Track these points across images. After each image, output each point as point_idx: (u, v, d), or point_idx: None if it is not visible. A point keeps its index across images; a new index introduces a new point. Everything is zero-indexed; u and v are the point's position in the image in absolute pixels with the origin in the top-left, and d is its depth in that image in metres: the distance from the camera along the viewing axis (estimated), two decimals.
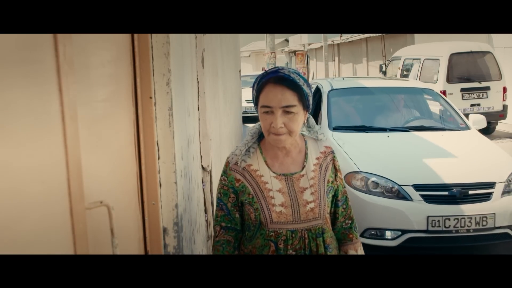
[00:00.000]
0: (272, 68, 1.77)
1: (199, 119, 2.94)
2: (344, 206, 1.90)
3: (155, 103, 1.84)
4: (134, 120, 1.79)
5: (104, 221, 1.39)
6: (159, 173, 1.87)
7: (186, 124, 2.31)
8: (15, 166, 1.02)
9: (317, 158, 1.84)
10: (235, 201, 1.80)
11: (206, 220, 3.05)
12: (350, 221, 1.91)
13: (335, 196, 1.88)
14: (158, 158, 1.87)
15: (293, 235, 1.74)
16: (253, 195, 1.76)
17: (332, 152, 1.88)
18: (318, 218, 1.77)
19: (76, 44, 1.29)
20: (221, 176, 1.84)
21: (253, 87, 1.78)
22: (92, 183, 1.38)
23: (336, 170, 1.87)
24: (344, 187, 1.91)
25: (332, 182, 1.85)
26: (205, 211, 3.03)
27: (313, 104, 6.04)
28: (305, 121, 1.81)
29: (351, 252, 1.89)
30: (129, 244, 1.71)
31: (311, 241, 1.76)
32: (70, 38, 1.24)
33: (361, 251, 1.93)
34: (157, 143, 1.86)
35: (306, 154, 1.83)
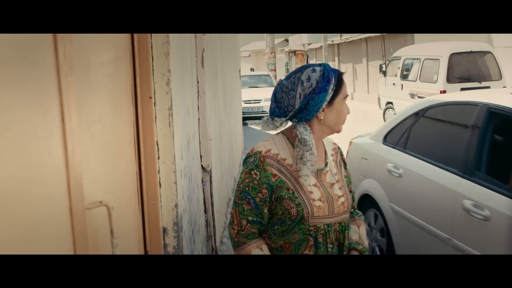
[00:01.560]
0: (324, 64, 1.85)
1: (199, 119, 2.94)
2: (353, 196, 2.02)
3: (155, 103, 1.84)
4: (134, 120, 1.79)
5: (104, 221, 1.39)
6: (158, 173, 1.87)
7: (186, 124, 2.31)
8: (15, 166, 1.01)
9: (332, 155, 1.94)
10: (266, 197, 1.76)
11: (206, 220, 3.05)
12: (352, 209, 2.02)
13: None
14: (158, 158, 1.87)
15: (329, 229, 1.80)
16: (293, 190, 1.76)
17: (339, 148, 2.02)
18: (347, 211, 1.86)
19: (76, 44, 1.29)
20: (251, 170, 1.77)
21: (329, 80, 1.78)
22: (92, 183, 1.38)
23: (345, 163, 2.00)
24: (350, 176, 2.03)
25: (346, 176, 1.97)
26: (205, 211, 3.03)
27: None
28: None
29: (353, 227, 1.96)
30: (129, 244, 1.71)
31: (340, 234, 1.84)
32: (70, 38, 1.24)
33: (362, 229, 1.98)
34: (157, 143, 1.86)
35: (325, 150, 1.91)
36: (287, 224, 1.78)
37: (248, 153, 1.82)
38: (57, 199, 1.19)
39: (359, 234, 1.93)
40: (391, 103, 13.70)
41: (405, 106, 4.82)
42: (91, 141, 1.42)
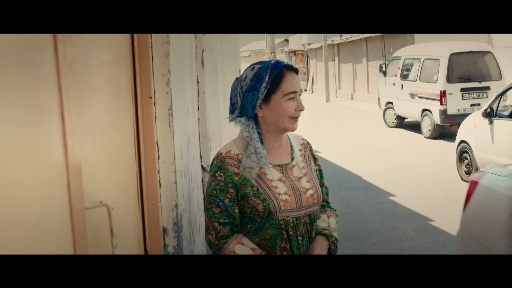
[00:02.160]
0: (270, 61, 1.84)
1: (199, 119, 2.94)
2: (322, 190, 2.02)
3: (155, 103, 1.84)
4: (134, 120, 1.79)
5: (104, 221, 1.39)
6: (158, 173, 1.87)
7: (186, 124, 2.31)
8: (15, 166, 1.01)
9: (300, 150, 1.96)
10: (234, 196, 1.80)
11: None
12: (325, 203, 2.04)
13: None
14: (158, 158, 1.87)
15: (298, 222, 1.82)
16: (257, 186, 1.79)
17: (309, 143, 2.03)
18: (316, 203, 1.87)
19: (76, 44, 1.29)
20: (215, 172, 1.82)
21: (261, 79, 1.80)
22: (92, 183, 1.38)
23: (315, 159, 2.02)
24: (322, 171, 2.03)
25: (315, 170, 1.99)
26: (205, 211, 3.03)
27: None
28: None
29: (322, 216, 1.97)
30: (129, 244, 1.71)
31: (310, 226, 1.86)
32: (70, 38, 1.24)
33: (332, 220, 1.99)
34: (157, 143, 1.86)
35: (291, 146, 1.94)
36: (257, 221, 1.80)
37: (213, 158, 1.86)
38: (57, 199, 1.19)
39: (328, 222, 1.96)
40: (391, 103, 13.70)
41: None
42: (91, 141, 1.42)
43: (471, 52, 11.39)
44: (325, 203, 2.04)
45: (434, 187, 7.48)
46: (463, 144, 7.69)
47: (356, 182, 8.02)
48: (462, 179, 7.74)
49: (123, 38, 1.73)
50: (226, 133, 4.78)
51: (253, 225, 1.81)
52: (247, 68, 1.85)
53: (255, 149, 1.80)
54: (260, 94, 1.79)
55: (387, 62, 14.53)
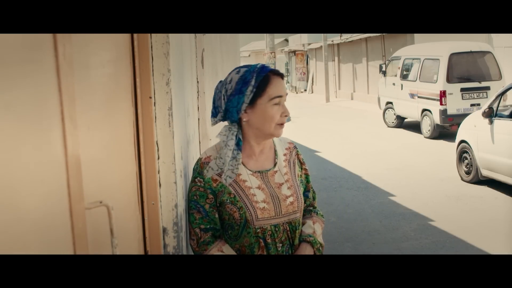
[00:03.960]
0: (256, 65, 1.83)
1: (199, 119, 2.94)
2: (309, 195, 1.99)
3: (154, 103, 1.84)
4: (134, 120, 1.79)
5: (104, 221, 1.39)
6: (158, 173, 1.87)
7: (185, 124, 2.31)
8: (14, 166, 1.01)
9: (285, 155, 1.93)
10: (213, 202, 1.80)
11: None
12: (311, 207, 2.01)
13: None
14: (158, 158, 1.87)
15: (277, 229, 1.79)
16: (234, 194, 1.77)
17: (296, 147, 1.99)
18: (297, 211, 1.84)
19: (76, 44, 1.28)
20: (195, 178, 1.83)
21: (247, 82, 1.76)
22: (91, 183, 1.38)
23: (301, 163, 1.97)
24: (309, 175, 2.00)
25: (301, 175, 1.95)
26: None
27: None
28: None
29: (308, 221, 1.93)
30: (128, 244, 1.71)
31: (291, 233, 1.83)
32: (70, 38, 1.24)
33: (318, 226, 1.94)
34: (157, 143, 1.86)
35: (275, 151, 1.91)
36: (235, 229, 1.79)
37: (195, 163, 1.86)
38: (57, 199, 1.19)
39: (314, 229, 1.92)
40: (391, 103, 13.71)
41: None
42: (91, 141, 1.42)
43: (471, 52, 11.41)
44: (311, 208, 2.00)
45: (434, 187, 7.48)
46: (463, 144, 7.70)
47: (356, 182, 8.02)
48: (462, 179, 7.75)
49: (123, 38, 1.73)
50: None
51: (233, 231, 1.80)
52: (232, 71, 1.82)
53: (223, 156, 1.78)
54: (246, 98, 1.76)
55: (387, 62, 14.54)
